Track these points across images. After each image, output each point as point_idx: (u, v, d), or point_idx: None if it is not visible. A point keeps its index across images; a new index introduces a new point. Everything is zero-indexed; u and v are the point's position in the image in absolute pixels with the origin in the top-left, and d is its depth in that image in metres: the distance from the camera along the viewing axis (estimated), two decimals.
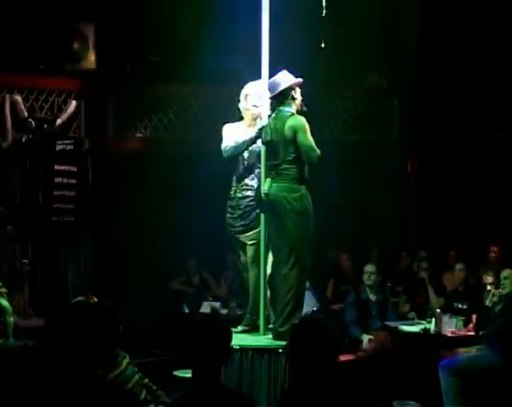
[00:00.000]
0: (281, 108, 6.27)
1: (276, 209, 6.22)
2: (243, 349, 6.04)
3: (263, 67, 6.52)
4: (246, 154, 6.61)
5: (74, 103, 9.89)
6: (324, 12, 9.85)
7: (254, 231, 6.60)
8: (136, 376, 4.69)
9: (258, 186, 6.51)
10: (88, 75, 9.91)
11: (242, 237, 6.66)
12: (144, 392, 4.72)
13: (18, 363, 4.26)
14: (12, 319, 6.18)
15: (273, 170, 6.26)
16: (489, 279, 7.68)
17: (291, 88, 6.27)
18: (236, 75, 9.09)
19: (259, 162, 6.53)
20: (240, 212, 6.63)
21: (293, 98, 6.30)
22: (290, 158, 6.19)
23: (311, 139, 6.16)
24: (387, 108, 11.36)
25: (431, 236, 10.76)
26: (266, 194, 6.25)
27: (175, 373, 7.26)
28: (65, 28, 9.80)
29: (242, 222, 6.63)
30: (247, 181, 6.61)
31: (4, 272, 8.91)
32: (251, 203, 6.60)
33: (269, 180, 6.26)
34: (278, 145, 6.22)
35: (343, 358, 5.70)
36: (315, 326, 3.85)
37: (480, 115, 10.97)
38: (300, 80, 6.34)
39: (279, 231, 6.25)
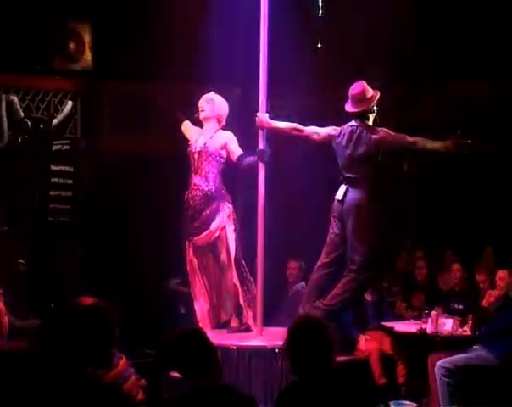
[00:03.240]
0: (360, 121, 6.37)
1: (348, 219, 6.29)
2: (240, 349, 6.04)
3: (261, 67, 6.55)
4: (196, 155, 6.75)
5: (70, 103, 9.88)
6: (320, 12, 9.86)
7: (207, 232, 6.69)
8: (133, 377, 4.69)
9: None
10: (84, 75, 9.90)
11: (195, 239, 6.74)
12: (141, 392, 4.71)
13: (14, 363, 4.26)
14: (7, 319, 6.17)
15: (349, 181, 6.36)
16: (482, 279, 7.71)
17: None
18: (235, 76, 9.12)
19: (209, 163, 6.71)
20: (190, 213, 6.74)
21: (372, 111, 6.43)
22: (369, 174, 6.28)
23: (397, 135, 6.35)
24: (383, 107, 11.33)
25: (427, 236, 10.76)
26: (339, 201, 6.32)
27: (171, 374, 7.23)
28: (61, 28, 9.79)
29: (195, 224, 6.72)
30: (195, 180, 6.73)
31: (0, 272, 8.89)
32: (200, 203, 6.68)
33: (344, 188, 6.32)
34: (359, 160, 6.29)
35: (339, 358, 5.68)
36: (312, 327, 3.85)
37: (477, 115, 10.96)
38: (378, 92, 6.46)
39: (347, 240, 6.38)
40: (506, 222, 10.33)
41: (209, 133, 6.88)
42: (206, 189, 6.75)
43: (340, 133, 6.47)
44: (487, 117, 10.76)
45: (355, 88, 6.47)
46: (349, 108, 6.48)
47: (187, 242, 6.89)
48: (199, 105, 6.99)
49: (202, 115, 6.96)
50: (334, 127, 6.55)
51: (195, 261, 6.90)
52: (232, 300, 6.85)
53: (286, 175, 9.29)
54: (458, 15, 10.51)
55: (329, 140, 6.49)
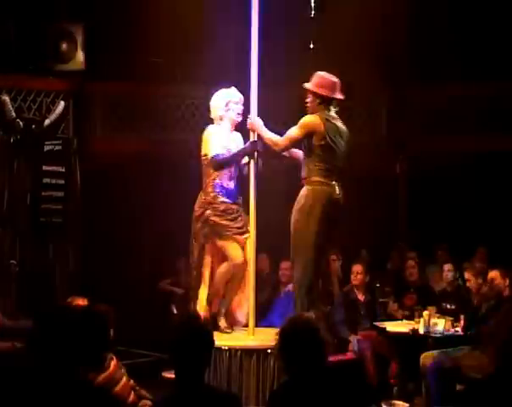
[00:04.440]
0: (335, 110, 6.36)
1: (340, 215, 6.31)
2: (232, 349, 6.04)
3: (252, 68, 6.53)
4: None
5: (62, 103, 9.87)
6: (313, 12, 9.88)
7: (247, 234, 6.60)
8: (124, 378, 4.68)
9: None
10: (76, 76, 9.89)
11: (240, 238, 6.65)
12: (132, 394, 4.71)
13: (4, 364, 4.24)
14: None
15: (337, 175, 6.31)
16: (468, 277, 7.74)
17: None
18: (225, 76, 9.10)
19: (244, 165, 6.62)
20: (235, 215, 6.64)
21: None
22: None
23: None
24: (375, 108, 11.37)
25: (419, 236, 10.78)
26: (340, 199, 6.30)
27: (164, 374, 7.23)
28: (54, 28, 9.79)
29: (236, 224, 6.63)
30: (233, 183, 6.64)
31: None
32: (234, 206, 6.62)
33: (337, 184, 6.29)
34: (345, 148, 6.32)
35: (332, 358, 5.69)
36: (304, 327, 3.85)
37: (468, 116, 10.99)
38: None
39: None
40: (498, 223, 10.36)
41: (234, 136, 6.74)
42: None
43: (327, 120, 6.35)
44: (476, 117, 10.81)
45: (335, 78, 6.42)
46: (338, 95, 6.39)
47: (204, 241, 6.71)
48: (240, 106, 6.70)
49: (239, 119, 6.73)
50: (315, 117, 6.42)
51: (209, 260, 6.77)
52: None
53: (279, 175, 9.31)
54: (449, 16, 10.56)
55: (313, 130, 6.36)
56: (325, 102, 6.34)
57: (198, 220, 6.65)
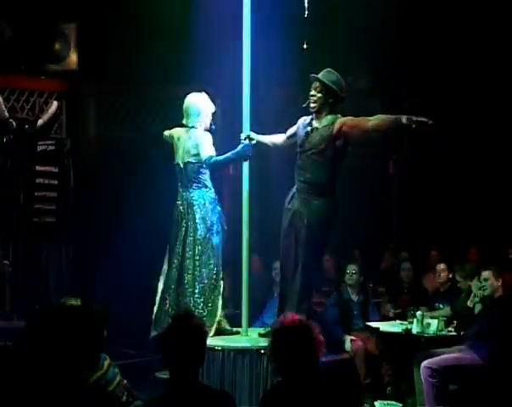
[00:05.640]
0: None
1: None
2: (225, 350, 6.04)
3: (244, 68, 6.54)
4: None
5: (55, 103, 9.87)
6: (306, 13, 9.86)
7: None
8: (118, 378, 4.67)
9: None
10: (70, 76, 9.88)
11: None
12: (125, 394, 4.70)
13: None
14: None
15: None
16: (459, 279, 7.77)
17: None
18: (219, 76, 9.11)
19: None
20: None
21: None
22: None
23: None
24: (369, 109, 11.36)
25: (412, 236, 10.80)
26: None
27: (156, 374, 7.23)
28: (47, 28, 9.77)
29: None
30: None
31: None
32: None
33: None
34: None
35: (325, 358, 5.69)
36: (297, 327, 3.85)
37: (461, 116, 11.02)
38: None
39: None
40: (490, 223, 10.39)
41: None
42: None
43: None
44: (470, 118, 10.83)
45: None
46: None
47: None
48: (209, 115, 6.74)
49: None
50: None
51: None
52: None
53: (273, 175, 9.31)
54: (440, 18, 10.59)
55: None
56: (336, 102, 6.15)
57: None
